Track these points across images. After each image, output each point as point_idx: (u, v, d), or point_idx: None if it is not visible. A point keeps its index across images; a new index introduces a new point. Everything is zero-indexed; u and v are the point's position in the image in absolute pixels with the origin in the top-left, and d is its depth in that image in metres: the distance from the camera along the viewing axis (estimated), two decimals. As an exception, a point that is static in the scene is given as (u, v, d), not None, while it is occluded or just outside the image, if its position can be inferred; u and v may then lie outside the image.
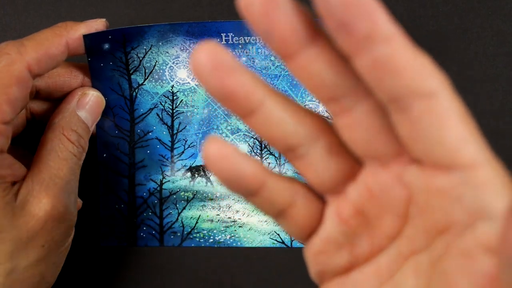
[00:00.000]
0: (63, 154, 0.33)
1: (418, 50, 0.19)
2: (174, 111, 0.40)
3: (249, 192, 0.22)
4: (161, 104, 0.40)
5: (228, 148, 0.21)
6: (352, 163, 0.23)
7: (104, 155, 0.40)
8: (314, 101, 0.39)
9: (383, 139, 0.21)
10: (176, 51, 0.39)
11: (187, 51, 0.39)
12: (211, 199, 0.41)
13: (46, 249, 0.32)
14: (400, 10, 0.42)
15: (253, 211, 0.41)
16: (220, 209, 0.41)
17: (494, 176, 0.19)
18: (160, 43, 0.38)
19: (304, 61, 0.20)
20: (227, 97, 0.21)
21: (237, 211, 0.41)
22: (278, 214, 0.23)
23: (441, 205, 0.20)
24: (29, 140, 0.37)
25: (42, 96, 0.36)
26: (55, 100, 0.37)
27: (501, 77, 0.41)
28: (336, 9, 0.18)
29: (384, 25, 0.18)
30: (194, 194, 0.41)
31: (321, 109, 0.39)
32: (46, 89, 0.36)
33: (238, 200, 0.41)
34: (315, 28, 0.20)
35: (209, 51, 0.20)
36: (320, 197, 0.24)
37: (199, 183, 0.41)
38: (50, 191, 0.31)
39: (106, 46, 0.37)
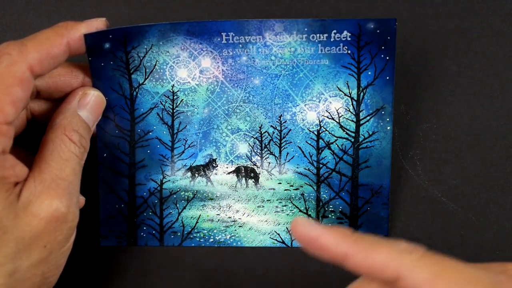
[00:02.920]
0: (65, 154, 0.33)
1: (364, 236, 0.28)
2: (175, 110, 0.40)
3: None
4: (162, 103, 0.40)
5: None
6: None
7: (105, 154, 0.40)
8: (314, 101, 0.39)
9: None
10: (177, 51, 0.39)
11: (188, 50, 0.39)
12: (211, 199, 0.41)
13: (48, 249, 0.31)
14: (400, 10, 0.42)
15: (253, 211, 0.41)
16: (220, 208, 0.41)
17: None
18: (161, 43, 0.38)
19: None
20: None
21: (237, 211, 0.41)
22: None
23: None
24: (30, 141, 0.37)
25: (42, 96, 0.36)
26: (56, 100, 0.37)
27: (501, 77, 0.42)
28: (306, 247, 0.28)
29: (333, 245, 0.27)
30: (194, 194, 0.41)
31: (321, 108, 0.39)
32: (46, 89, 0.36)
33: (238, 200, 0.41)
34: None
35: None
36: None
37: (199, 182, 0.41)
38: (53, 192, 0.31)
39: (107, 45, 0.37)
